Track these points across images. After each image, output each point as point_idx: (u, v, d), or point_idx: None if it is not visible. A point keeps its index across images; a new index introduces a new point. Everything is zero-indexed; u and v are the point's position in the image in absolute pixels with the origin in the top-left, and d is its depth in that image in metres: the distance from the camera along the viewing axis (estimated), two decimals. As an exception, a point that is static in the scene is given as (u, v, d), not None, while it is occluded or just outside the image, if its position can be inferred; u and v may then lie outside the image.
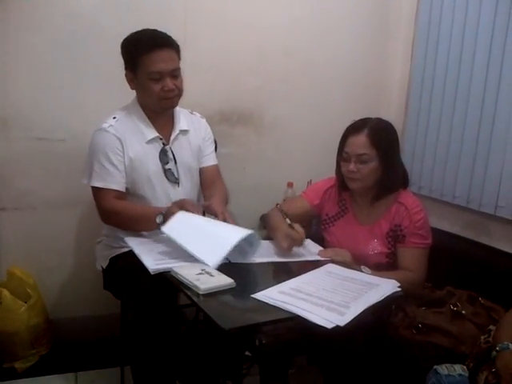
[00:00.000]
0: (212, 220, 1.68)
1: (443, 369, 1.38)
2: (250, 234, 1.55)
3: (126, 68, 1.80)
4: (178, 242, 1.54)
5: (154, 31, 1.77)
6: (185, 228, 1.58)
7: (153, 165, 1.82)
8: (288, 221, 1.70)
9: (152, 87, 1.74)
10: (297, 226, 1.67)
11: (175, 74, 1.77)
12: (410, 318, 1.65)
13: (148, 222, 1.69)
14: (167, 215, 1.64)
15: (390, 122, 1.81)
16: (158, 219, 1.65)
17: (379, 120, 1.78)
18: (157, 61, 1.72)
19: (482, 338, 1.38)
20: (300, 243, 1.67)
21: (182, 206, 1.66)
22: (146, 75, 1.73)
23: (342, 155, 1.78)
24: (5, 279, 2.19)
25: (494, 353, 1.28)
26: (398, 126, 2.48)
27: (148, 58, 1.71)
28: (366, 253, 1.79)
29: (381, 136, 1.73)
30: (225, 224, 1.65)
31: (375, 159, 1.71)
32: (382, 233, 1.79)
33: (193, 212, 1.65)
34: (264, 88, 2.49)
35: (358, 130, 1.73)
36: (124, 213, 1.76)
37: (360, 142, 1.71)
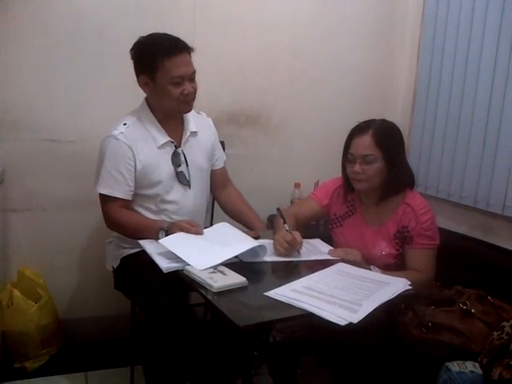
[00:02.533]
0: (213, 238, 1.68)
1: (455, 366, 1.39)
2: (253, 247, 1.56)
3: (140, 72, 1.78)
4: (173, 252, 1.54)
5: (168, 35, 1.77)
6: (183, 242, 1.60)
7: (165, 169, 1.83)
8: (286, 227, 1.70)
9: (172, 91, 1.74)
10: (296, 234, 1.66)
11: (193, 77, 1.78)
12: (420, 316, 1.66)
13: (149, 236, 1.71)
14: (169, 233, 1.67)
15: (394, 123, 1.82)
16: (161, 235, 1.66)
17: (383, 121, 1.79)
18: (179, 65, 1.72)
19: (495, 334, 1.39)
20: (296, 250, 1.66)
21: (180, 227, 1.68)
22: (166, 79, 1.72)
23: (347, 157, 1.79)
24: (15, 279, 2.21)
25: None
26: (404, 126, 2.53)
27: (169, 63, 1.71)
28: (374, 254, 1.80)
29: (385, 137, 1.74)
30: (226, 237, 1.67)
31: (380, 160, 1.72)
32: (389, 234, 1.80)
33: (191, 232, 1.67)
34: (271, 89, 2.51)
35: (363, 131, 1.74)
36: (126, 225, 1.78)
37: (365, 143, 1.72)
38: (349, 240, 1.86)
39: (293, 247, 1.64)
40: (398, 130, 1.82)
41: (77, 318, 2.34)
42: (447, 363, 1.41)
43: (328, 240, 1.90)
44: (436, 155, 2.39)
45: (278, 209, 1.83)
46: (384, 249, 1.80)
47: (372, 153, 1.71)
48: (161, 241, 1.60)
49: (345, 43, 2.60)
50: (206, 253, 1.55)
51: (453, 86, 2.29)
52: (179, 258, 1.51)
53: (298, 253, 1.66)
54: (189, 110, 1.86)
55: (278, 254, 1.64)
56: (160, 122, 1.84)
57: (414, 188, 1.86)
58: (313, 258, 1.67)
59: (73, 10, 2.15)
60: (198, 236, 1.66)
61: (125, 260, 1.85)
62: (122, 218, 1.78)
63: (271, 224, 2.51)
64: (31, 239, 2.26)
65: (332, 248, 1.78)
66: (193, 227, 1.68)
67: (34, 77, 2.15)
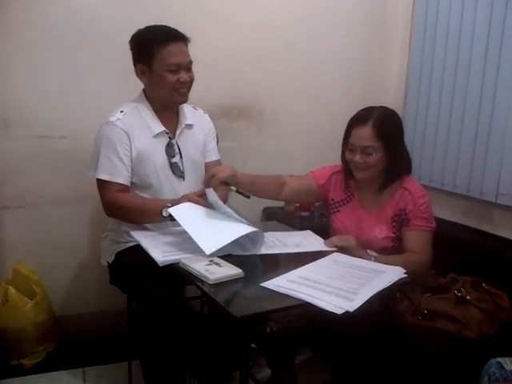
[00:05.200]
0: (219, 213, 1.69)
1: (508, 364, 1.31)
2: (255, 231, 1.55)
3: (137, 61, 1.80)
4: (180, 224, 1.55)
5: (165, 26, 1.79)
6: (190, 214, 1.61)
7: (159, 159, 1.83)
8: (233, 188, 1.67)
9: (168, 78, 1.75)
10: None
11: (190, 66, 1.80)
12: (415, 304, 1.66)
13: (152, 215, 1.70)
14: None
15: (394, 111, 1.83)
16: (165, 213, 1.65)
17: (384, 109, 1.79)
18: (175, 53, 1.75)
19: None
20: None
21: (189, 199, 1.68)
22: (163, 67, 1.75)
23: (347, 145, 1.79)
24: (10, 277, 2.20)
25: None
26: (396, 117, 2.53)
27: (166, 50, 1.73)
28: (372, 238, 1.81)
29: (386, 127, 1.74)
30: (232, 219, 1.66)
31: (380, 150, 1.73)
32: (386, 218, 1.82)
33: (199, 203, 1.66)
34: (264, 82, 2.51)
35: (363, 121, 1.74)
36: (128, 206, 1.77)
37: (365, 134, 1.72)
38: (346, 225, 1.87)
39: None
40: (398, 117, 1.83)
41: (73, 314, 2.34)
42: (498, 360, 1.34)
43: (324, 231, 1.91)
44: (429, 145, 2.40)
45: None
46: (381, 232, 1.82)
47: (372, 144, 1.72)
48: (170, 209, 1.60)
49: (337, 35, 2.59)
50: (212, 230, 1.54)
51: (444, 76, 2.30)
52: (187, 232, 1.51)
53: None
54: (183, 101, 1.86)
55: (282, 244, 1.66)
56: (156, 112, 1.85)
57: (410, 173, 1.88)
58: (307, 249, 1.67)
59: (63, 6, 2.13)
60: (205, 212, 1.65)
61: (120, 255, 1.85)
62: (123, 201, 1.77)
63: (266, 216, 2.53)
64: (25, 236, 2.24)
65: (323, 240, 1.77)
66: (200, 199, 1.68)
67: (24, 73, 2.13)
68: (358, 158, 1.74)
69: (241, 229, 1.56)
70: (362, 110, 1.79)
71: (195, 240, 1.49)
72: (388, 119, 1.77)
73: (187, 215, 1.59)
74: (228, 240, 1.50)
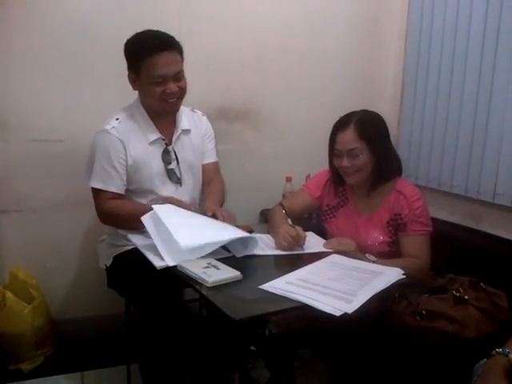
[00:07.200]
0: (203, 218, 1.68)
1: None
2: (242, 237, 1.54)
3: (128, 70, 1.79)
4: (161, 219, 1.53)
5: (157, 32, 1.75)
6: (173, 215, 1.60)
7: (156, 165, 1.83)
8: (290, 222, 1.72)
9: (154, 90, 1.73)
10: (298, 228, 1.68)
11: (178, 76, 1.76)
12: (414, 305, 1.66)
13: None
14: None
15: (375, 112, 1.83)
16: None
17: (364, 112, 1.81)
18: (159, 65, 1.70)
19: None
20: (300, 244, 1.67)
21: (171, 202, 1.70)
22: (148, 79, 1.72)
23: (333, 151, 1.80)
24: (8, 281, 2.19)
25: (493, 352, 1.27)
26: (393, 117, 2.55)
27: (150, 62, 1.70)
28: (368, 242, 1.81)
29: (368, 128, 1.75)
30: (216, 222, 1.65)
31: (366, 151, 1.74)
32: (382, 222, 1.82)
33: (182, 206, 1.69)
34: (261, 84, 2.51)
35: (345, 125, 1.75)
36: (119, 213, 1.77)
37: (348, 137, 1.74)
38: (342, 230, 1.87)
39: (297, 242, 1.64)
40: (380, 118, 1.83)
41: (71, 318, 2.33)
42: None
43: (320, 233, 1.91)
44: (426, 145, 2.41)
45: (281, 203, 1.85)
46: (377, 237, 1.82)
47: (357, 146, 1.73)
48: (154, 206, 1.60)
49: (332, 36, 2.59)
50: (193, 230, 1.54)
51: (440, 76, 2.30)
52: (165, 227, 1.49)
53: (302, 248, 1.66)
54: (175, 110, 1.84)
55: (281, 248, 1.65)
56: (152, 118, 1.84)
57: (401, 174, 1.87)
58: (306, 250, 1.68)
59: (58, 9, 2.13)
60: (190, 214, 1.66)
61: (117, 258, 1.85)
62: (114, 208, 1.77)
63: (264, 218, 2.52)
64: (22, 240, 2.24)
65: (324, 241, 1.78)
66: (183, 202, 1.71)
67: (20, 77, 2.13)
68: (345, 162, 1.75)
69: (227, 232, 1.54)
70: (344, 116, 1.80)
71: (173, 234, 1.47)
72: (369, 120, 1.78)
73: (170, 214, 1.59)
74: (207, 241, 1.49)
